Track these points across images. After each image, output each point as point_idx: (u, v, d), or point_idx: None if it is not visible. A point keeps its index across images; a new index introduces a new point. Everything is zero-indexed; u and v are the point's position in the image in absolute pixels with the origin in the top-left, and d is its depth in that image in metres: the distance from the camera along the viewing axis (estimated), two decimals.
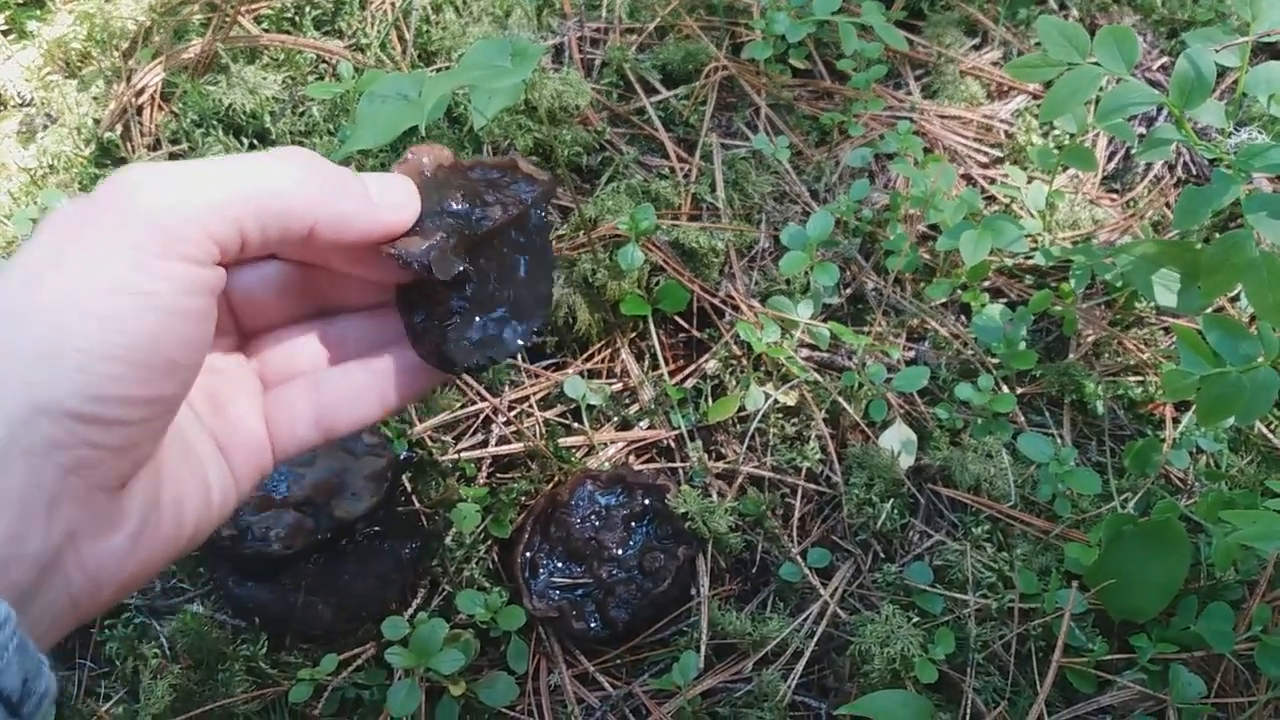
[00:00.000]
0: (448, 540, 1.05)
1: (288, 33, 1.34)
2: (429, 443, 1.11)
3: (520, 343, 0.67)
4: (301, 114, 1.27)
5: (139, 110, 1.31)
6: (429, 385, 0.68)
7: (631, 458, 1.14)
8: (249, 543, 0.95)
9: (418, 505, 1.08)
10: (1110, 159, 1.37)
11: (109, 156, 1.29)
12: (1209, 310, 1.16)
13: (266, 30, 1.34)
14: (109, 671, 1.03)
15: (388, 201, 0.60)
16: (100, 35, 1.35)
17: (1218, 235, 1.26)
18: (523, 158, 0.69)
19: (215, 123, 1.27)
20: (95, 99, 1.32)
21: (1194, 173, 1.34)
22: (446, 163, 0.67)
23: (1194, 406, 1.15)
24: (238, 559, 0.97)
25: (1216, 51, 0.98)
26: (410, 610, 1.03)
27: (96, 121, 1.30)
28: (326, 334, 0.67)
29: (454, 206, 0.64)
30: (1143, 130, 1.37)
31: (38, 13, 1.40)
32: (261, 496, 0.97)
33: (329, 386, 0.65)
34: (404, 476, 1.08)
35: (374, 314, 0.68)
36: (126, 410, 0.50)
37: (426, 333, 0.64)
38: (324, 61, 1.32)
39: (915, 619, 0.97)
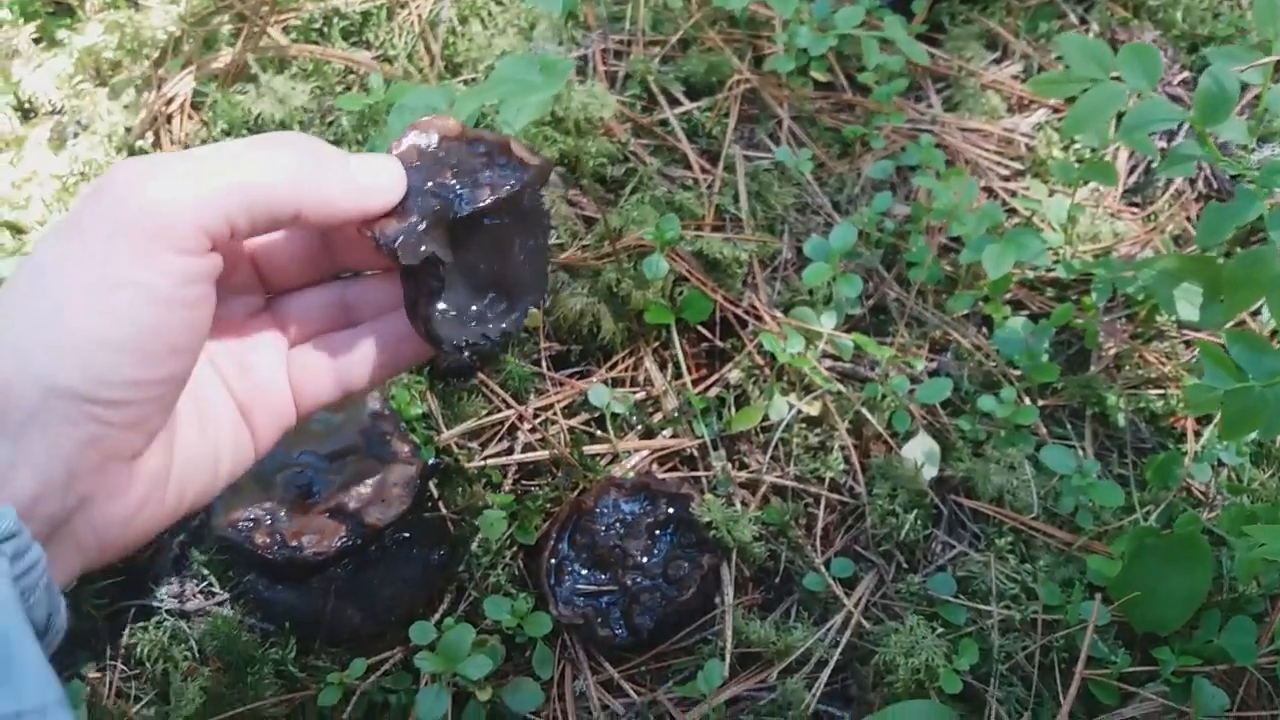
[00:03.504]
0: (474, 546, 1.06)
1: (316, 43, 1.35)
2: (455, 450, 1.12)
3: (505, 326, 0.69)
4: (330, 124, 1.29)
5: (169, 119, 1.33)
6: (432, 354, 0.71)
7: (655, 466, 1.15)
8: (281, 549, 0.96)
9: (444, 511, 1.09)
10: (1131, 173, 1.38)
11: None
12: (1230, 325, 1.16)
13: (295, 41, 1.35)
14: (139, 673, 1.04)
15: (370, 185, 0.62)
16: (131, 44, 1.36)
17: (1238, 250, 1.27)
18: (516, 140, 0.69)
19: (244, 132, 1.29)
20: (126, 107, 1.34)
21: (1214, 187, 1.35)
22: (452, 134, 0.68)
23: (1216, 420, 1.16)
24: (268, 564, 0.98)
25: (1241, 71, 0.98)
26: (437, 615, 1.04)
27: (128, 129, 1.32)
28: (345, 295, 0.72)
29: (442, 185, 0.66)
30: (1164, 145, 1.37)
31: (68, 21, 1.41)
32: (297, 502, 0.99)
33: (346, 346, 0.69)
34: (431, 483, 1.10)
35: (389, 276, 0.70)
36: (132, 392, 0.55)
37: (416, 308, 0.67)
38: (352, 72, 1.34)
39: (939, 629, 0.98)
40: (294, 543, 0.97)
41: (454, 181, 0.66)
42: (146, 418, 0.57)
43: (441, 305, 0.67)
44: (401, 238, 0.63)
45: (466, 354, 0.69)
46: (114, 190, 0.55)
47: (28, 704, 0.47)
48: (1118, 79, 1.03)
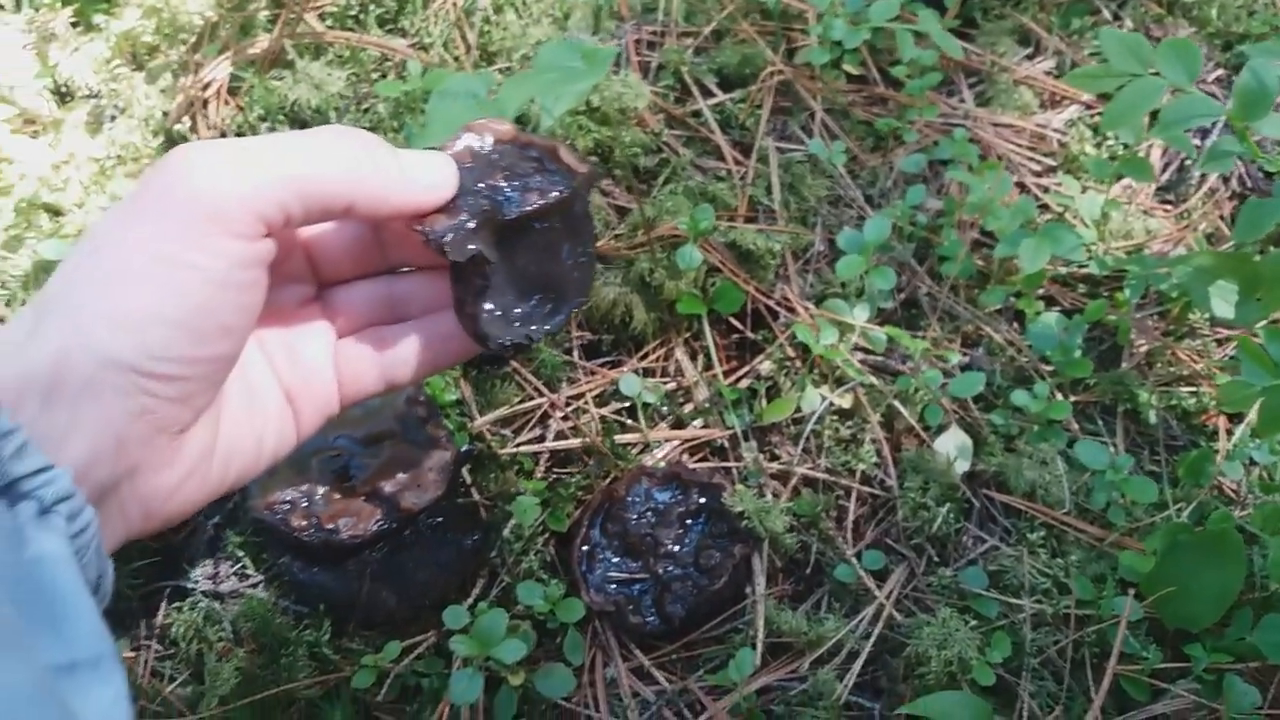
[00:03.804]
0: (506, 532, 1.06)
1: (352, 30, 1.36)
2: (488, 436, 1.12)
3: (549, 327, 0.71)
4: (366, 110, 1.29)
5: (205, 104, 1.33)
6: (476, 352, 0.73)
7: (685, 456, 1.15)
8: (317, 532, 0.97)
9: (477, 497, 1.10)
10: (1164, 170, 1.37)
11: None
12: (1266, 322, 1.16)
13: (331, 27, 1.36)
14: (174, 653, 1.05)
15: (421, 181, 0.64)
16: (167, 29, 1.37)
17: (1273, 248, 1.26)
18: (565, 146, 0.71)
19: (281, 117, 1.30)
20: (163, 91, 1.35)
21: (1249, 185, 1.34)
22: (505, 137, 0.70)
23: (1248, 418, 1.16)
24: (303, 546, 0.99)
25: None
26: (470, 600, 1.04)
27: (165, 114, 1.33)
28: (393, 290, 0.73)
29: (492, 187, 0.68)
30: (1197, 142, 1.37)
31: (105, 6, 1.42)
32: (333, 485, 0.99)
33: (393, 341, 0.71)
34: (464, 469, 1.10)
35: (438, 275, 0.72)
36: (183, 368, 0.56)
37: (464, 305, 0.68)
38: (387, 60, 1.34)
39: (972, 622, 0.98)
40: (330, 525, 0.97)
41: (505, 184, 0.68)
42: (195, 394, 0.59)
43: (488, 304, 0.68)
44: (451, 234, 0.64)
45: (510, 351, 0.70)
46: (174, 173, 0.57)
47: (82, 655, 0.48)
48: (1156, 74, 1.03)
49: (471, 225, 0.65)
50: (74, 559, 0.51)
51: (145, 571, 1.08)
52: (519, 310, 0.71)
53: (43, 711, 0.44)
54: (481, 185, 0.67)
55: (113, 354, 0.54)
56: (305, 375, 0.70)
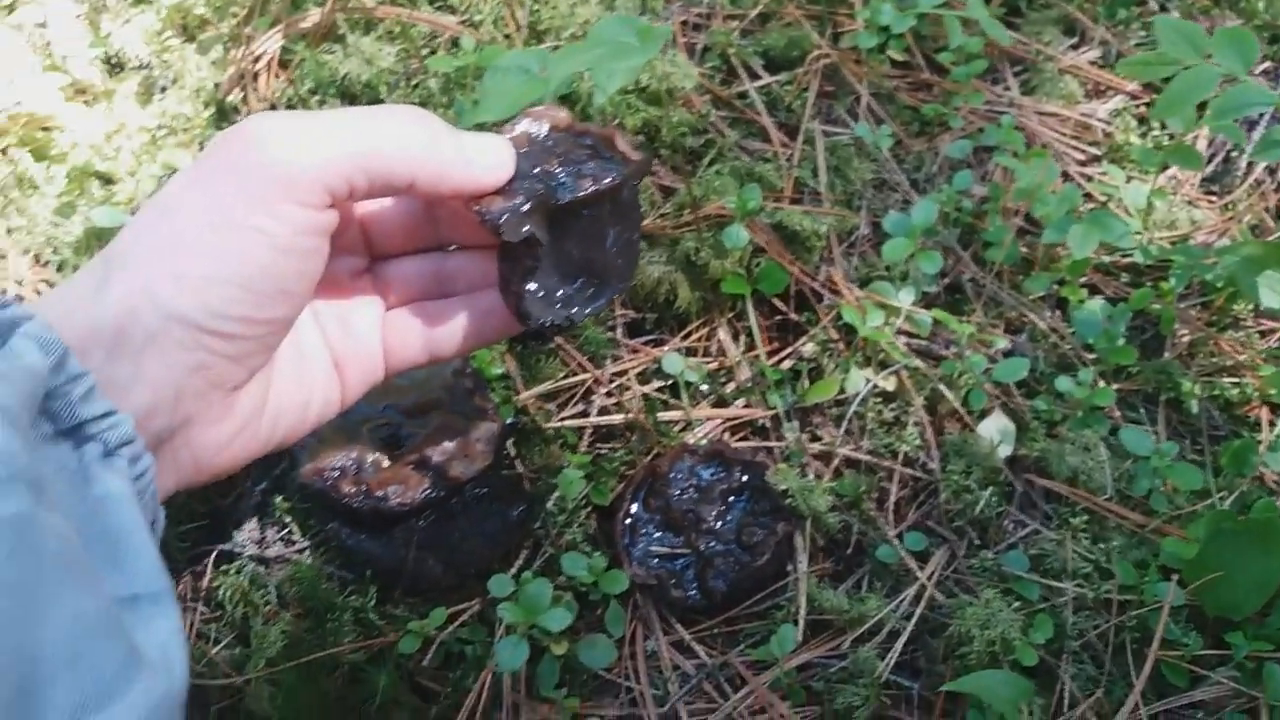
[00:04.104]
0: (549, 505, 1.07)
1: (402, 6, 1.37)
2: (533, 410, 1.13)
3: (589, 310, 0.73)
4: (416, 86, 1.30)
5: (255, 76, 1.35)
6: (518, 329, 0.75)
7: (727, 435, 1.16)
8: (366, 498, 0.98)
9: (521, 469, 1.11)
10: (1209, 161, 1.37)
11: (227, 120, 1.34)
12: None
13: (381, 3, 1.37)
14: (219, 616, 1.07)
15: (480, 163, 0.66)
16: (218, 2, 1.38)
17: None
18: (621, 134, 0.73)
19: (332, 91, 1.31)
20: (214, 63, 1.36)
21: None
22: (561, 125, 0.72)
23: None
24: (352, 512, 1.00)
25: None
26: (513, 570, 1.05)
27: (216, 85, 1.34)
28: (442, 266, 0.76)
29: (547, 172, 0.69)
30: (1244, 132, 1.36)
31: None
32: (382, 453, 1.01)
33: (440, 316, 0.74)
34: (509, 442, 1.11)
35: (485, 254, 0.74)
36: (242, 328, 0.59)
37: (509, 284, 0.71)
38: (436, 36, 1.35)
39: (1015, 604, 0.98)
40: (379, 493, 0.99)
41: (559, 170, 0.70)
42: (251, 354, 0.61)
43: (533, 285, 0.70)
44: (506, 216, 0.66)
45: (550, 330, 0.72)
46: (246, 141, 0.59)
47: (143, 589, 0.51)
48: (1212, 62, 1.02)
49: (526, 208, 0.67)
50: (136, 499, 0.54)
51: (192, 535, 1.09)
52: (561, 292, 0.72)
53: (110, 638, 0.47)
54: (537, 170, 0.69)
55: (177, 310, 0.56)
56: (354, 344, 0.72)
